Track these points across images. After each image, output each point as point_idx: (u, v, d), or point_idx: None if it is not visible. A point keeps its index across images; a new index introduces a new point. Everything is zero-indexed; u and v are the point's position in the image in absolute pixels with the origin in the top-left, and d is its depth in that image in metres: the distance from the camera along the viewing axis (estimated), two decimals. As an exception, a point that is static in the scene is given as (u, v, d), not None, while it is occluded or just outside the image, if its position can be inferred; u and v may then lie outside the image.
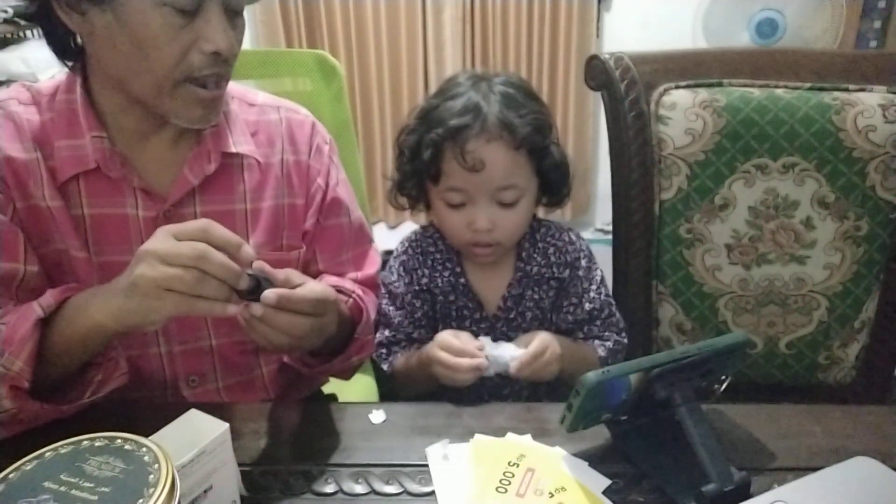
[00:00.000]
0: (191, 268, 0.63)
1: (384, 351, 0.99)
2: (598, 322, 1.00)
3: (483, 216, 0.88)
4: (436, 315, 0.99)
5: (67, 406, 0.73)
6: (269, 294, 0.67)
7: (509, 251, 0.98)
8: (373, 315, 0.96)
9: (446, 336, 0.87)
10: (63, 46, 0.80)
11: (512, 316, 0.98)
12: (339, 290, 0.91)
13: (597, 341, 1.00)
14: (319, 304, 0.72)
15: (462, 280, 0.97)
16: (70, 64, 0.82)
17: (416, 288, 0.98)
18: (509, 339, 0.97)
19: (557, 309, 1.00)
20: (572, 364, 0.91)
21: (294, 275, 0.74)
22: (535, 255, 0.98)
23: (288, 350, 0.76)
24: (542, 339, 0.87)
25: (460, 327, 0.97)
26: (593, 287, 0.99)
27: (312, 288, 0.72)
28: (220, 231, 0.66)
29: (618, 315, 1.02)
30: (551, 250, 0.98)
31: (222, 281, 0.65)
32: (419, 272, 0.98)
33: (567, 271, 0.98)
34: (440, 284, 0.97)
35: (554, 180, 0.94)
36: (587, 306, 0.99)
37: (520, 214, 0.91)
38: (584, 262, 0.99)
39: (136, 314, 0.66)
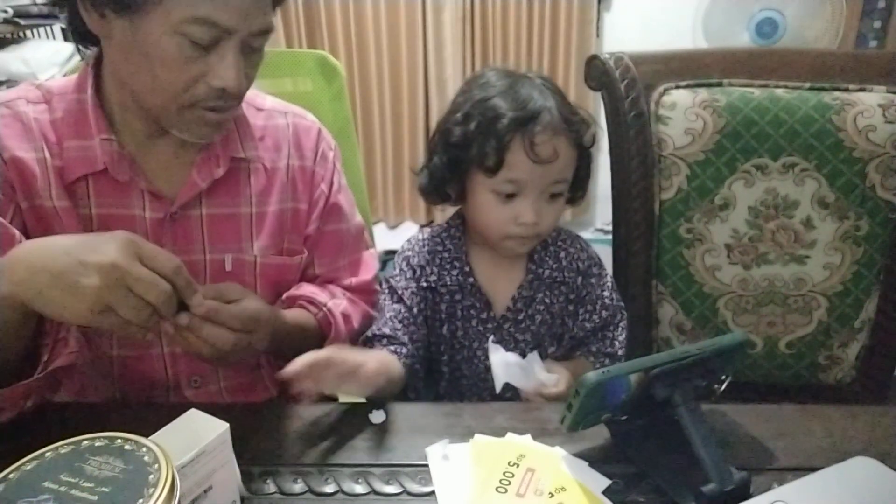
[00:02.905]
0: (149, 304, 0.63)
1: (367, 346, 0.96)
2: (612, 327, 1.00)
3: (531, 210, 0.88)
4: (440, 315, 0.99)
5: (15, 387, 0.70)
6: (198, 304, 0.68)
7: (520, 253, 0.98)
8: (355, 324, 0.96)
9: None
10: (82, 35, 0.80)
11: (520, 318, 0.98)
12: (312, 302, 0.92)
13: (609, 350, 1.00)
14: (250, 322, 0.74)
15: (471, 279, 0.97)
16: (83, 52, 0.82)
17: (423, 285, 0.97)
18: (516, 342, 0.98)
19: (573, 316, 1.00)
20: None
21: (231, 289, 0.75)
22: (548, 259, 0.98)
23: (214, 361, 0.76)
24: (568, 383, 0.88)
25: (466, 327, 0.97)
26: (606, 294, 1.00)
27: (246, 306, 0.74)
28: (186, 278, 0.67)
29: (625, 321, 1.02)
30: (563, 255, 0.98)
31: (163, 317, 0.66)
32: (426, 270, 0.97)
33: (580, 279, 0.98)
34: (448, 283, 0.97)
35: (581, 178, 0.95)
36: (604, 314, 0.99)
37: (560, 207, 0.92)
38: (595, 270, 1.00)
39: (58, 308, 0.63)
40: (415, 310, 0.97)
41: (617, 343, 1.00)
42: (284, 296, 0.94)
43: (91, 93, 0.81)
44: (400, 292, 0.97)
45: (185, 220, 0.85)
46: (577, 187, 0.96)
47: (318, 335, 0.92)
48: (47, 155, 0.80)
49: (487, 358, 0.96)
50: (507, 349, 0.97)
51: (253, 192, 0.89)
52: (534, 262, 0.98)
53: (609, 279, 1.01)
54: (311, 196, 0.95)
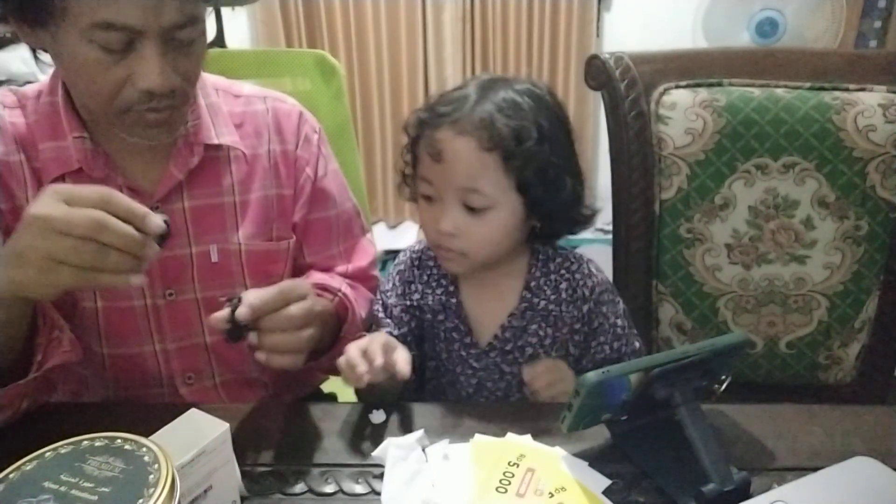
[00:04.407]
0: (88, 239, 0.58)
1: None
2: (626, 358, 0.93)
3: (448, 218, 0.82)
4: (423, 334, 0.93)
5: (9, 388, 0.71)
6: (157, 226, 0.63)
7: (514, 277, 0.91)
8: (364, 310, 0.95)
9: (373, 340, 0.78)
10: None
11: (508, 348, 0.91)
12: (326, 289, 0.91)
13: None
14: (307, 315, 0.73)
15: (454, 300, 0.91)
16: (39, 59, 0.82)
17: (408, 303, 0.92)
18: (501, 373, 0.91)
19: (585, 350, 0.93)
20: None
21: (286, 289, 0.73)
22: (545, 288, 0.90)
23: (292, 366, 0.74)
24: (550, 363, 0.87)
25: (449, 352, 0.92)
26: (619, 322, 0.93)
27: (296, 308, 0.72)
28: (122, 200, 0.60)
29: (638, 343, 0.95)
30: (563, 285, 0.90)
31: (125, 252, 0.60)
32: (413, 286, 0.93)
33: (586, 307, 0.90)
34: (430, 302, 0.92)
35: (544, 205, 0.83)
36: (615, 344, 0.92)
37: (488, 228, 0.82)
38: (607, 297, 0.92)
39: (26, 286, 0.62)
40: (405, 328, 0.92)
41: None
42: None
43: (62, 93, 0.81)
44: (391, 309, 0.93)
45: (168, 214, 0.85)
46: (546, 219, 0.86)
47: (336, 323, 0.90)
48: (23, 157, 0.81)
49: (470, 385, 0.93)
50: (492, 379, 0.92)
51: (234, 180, 0.89)
52: (529, 289, 0.90)
53: (622, 307, 0.94)
54: (296, 181, 0.93)
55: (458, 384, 0.93)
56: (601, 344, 0.92)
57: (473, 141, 0.79)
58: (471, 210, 0.82)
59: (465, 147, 0.80)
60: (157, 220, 0.62)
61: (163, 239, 0.64)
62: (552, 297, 0.90)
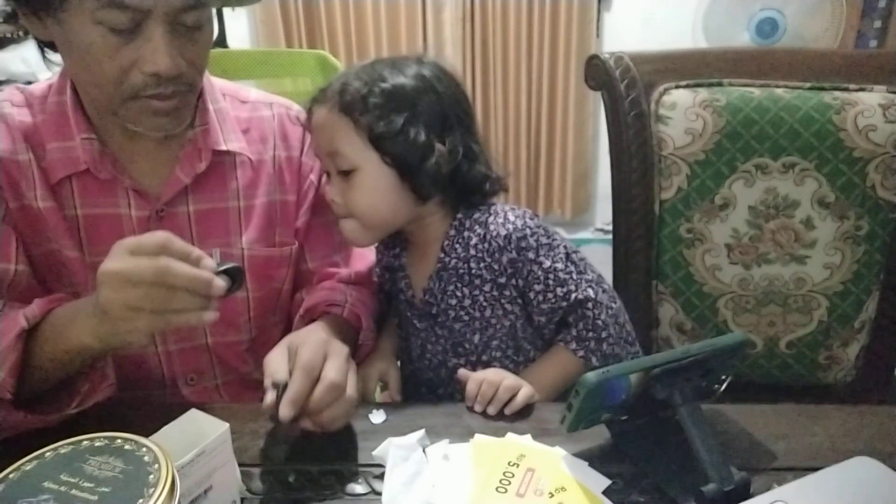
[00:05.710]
0: (156, 284, 0.61)
1: None
2: (588, 310, 0.88)
3: (331, 188, 0.87)
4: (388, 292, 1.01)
5: (52, 416, 0.72)
6: (206, 266, 0.65)
7: (437, 240, 0.90)
8: (371, 313, 0.96)
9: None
10: (45, 41, 0.80)
11: (434, 311, 0.92)
12: (332, 304, 0.90)
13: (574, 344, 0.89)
14: (337, 388, 0.70)
15: (397, 262, 0.97)
16: (47, 60, 0.82)
17: (384, 263, 1.00)
18: (437, 336, 0.93)
19: (530, 304, 0.89)
20: (555, 381, 0.89)
21: (309, 363, 0.70)
22: (458, 247, 0.89)
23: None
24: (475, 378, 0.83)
25: (401, 311, 0.98)
26: (560, 266, 0.86)
27: (324, 376, 0.70)
28: (177, 243, 0.63)
29: (592, 292, 0.88)
30: (474, 240, 0.87)
31: (192, 291, 0.63)
32: (387, 245, 0.99)
33: (505, 258, 0.86)
34: (385, 261, 0.99)
35: (406, 162, 0.83)
36: (559, 291, 0.87)
37: (360, 191, 0.84)
38: (535, 241, 0.86)
39: (115, 336, 0.66)
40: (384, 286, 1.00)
41: (599, 323, 0.88)
42: (302, 310, 0.91)
43: (70, 94, 0.81)
44: (378, 265, 1.01)
45: (173, 217, 0.85)
46: (413, 174, 0.84)
47: (353, 330, 0.90)
48: (31, 157, 0.81)
49: (417, 346, 0.96)
50: (430, 341, 0.94)
51: (240, 185, 0.89)
52: (443, 249, 0.89)
53: (563, 250, 0.88)
54: (299, 188, 0.94)
55: (410, 345, 0.97)
56: (540, 293, 0.87)
57: (328, 105, 0.85)
58: (344, 175, 0.85)
59: (322, 113, 0.85)
60: (209, 262, 0.65)
61: (236, 283, 0.67)
62: (462, 254, 0.88)
